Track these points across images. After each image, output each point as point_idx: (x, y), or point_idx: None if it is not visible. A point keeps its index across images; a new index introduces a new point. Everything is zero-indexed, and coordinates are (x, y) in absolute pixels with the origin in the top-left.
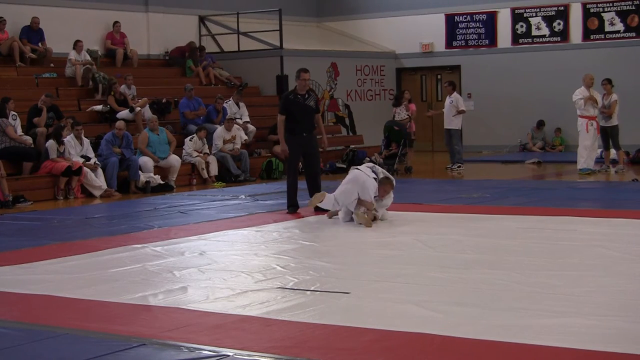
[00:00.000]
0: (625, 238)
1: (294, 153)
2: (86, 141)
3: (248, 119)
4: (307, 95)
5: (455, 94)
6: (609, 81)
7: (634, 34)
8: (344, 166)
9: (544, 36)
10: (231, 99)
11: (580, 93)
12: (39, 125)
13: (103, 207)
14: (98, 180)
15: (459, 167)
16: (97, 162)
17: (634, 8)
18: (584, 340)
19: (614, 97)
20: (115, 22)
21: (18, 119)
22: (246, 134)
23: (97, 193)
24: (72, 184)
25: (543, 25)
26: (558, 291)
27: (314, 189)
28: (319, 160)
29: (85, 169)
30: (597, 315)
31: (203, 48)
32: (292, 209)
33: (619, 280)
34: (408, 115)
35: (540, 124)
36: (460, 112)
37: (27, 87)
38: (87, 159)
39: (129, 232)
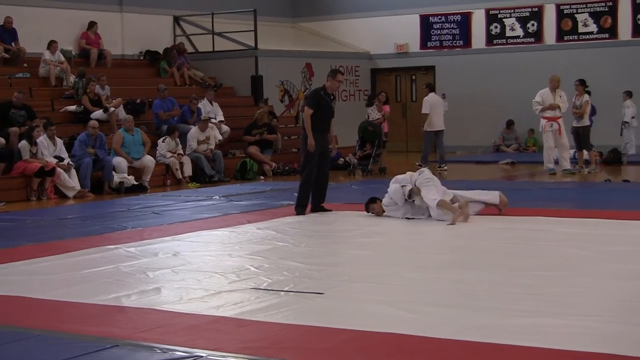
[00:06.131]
0: (599, 238)
1: (316, 150)
2: (59, 141)
3: (222, 119)
4: (332, 97)
5: (428, 95)
6: (581, 82)
7: (607, 35)
8: None
9: (518, 37)
10: (205, 97)
11: (540, 95)
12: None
13: (76, 207)
14: (71, 181)
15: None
16: (70, 162)
17: (607, 9)
18: (560, 340)
19: (586, 97)
20: (93, 23)
21: None
22: (220, 134)
23: (70, 194)
24: (45, 184)
25: (517, 26)
26: (533, 291)
27: (322, 191)
28: (329, 163)
29: (58, 169)
30: (573, 315)
31: (181, 45)
32: (302, 209)
33: (594, 280)
34: (381, 115)
35: (510, 124)
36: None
37: (0, 87)
38: (61, 159)
39: (102, 233)
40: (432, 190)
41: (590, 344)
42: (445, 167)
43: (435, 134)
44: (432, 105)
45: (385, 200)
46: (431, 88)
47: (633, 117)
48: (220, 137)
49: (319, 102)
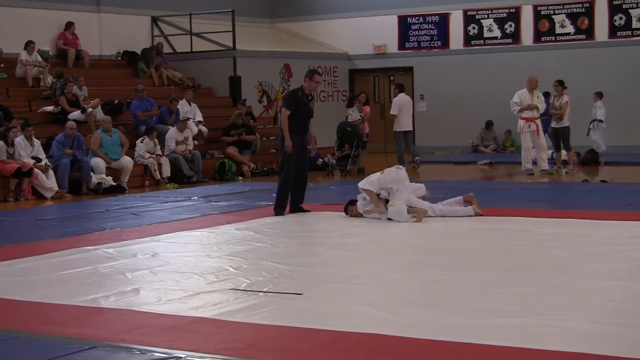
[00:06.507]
0: (576, 238)
1: (293, 151)
2: (37, 142)
3: (201, 119)
4: (310, 98)
5: (398, 96)
6: (560, 83)
7: (584, 36)
8: None
9: (495, 38)
10: (184, 98)
11: (518, 96)
12: None
13: (54, 208)
14: (49, 182)
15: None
16: (48, 163)
17: (584, 10)
18: (536, 340)
19: (565, 98)
20: (70, 23)
21: None
22: (198, 131)
23: (48, 194)
24: (22, 185)
25: (495, 27)
26: (510, 291)
27: (300, 192)
28: (307, 164)
29: (36, 170)
30: (549, 314)
31: (160, 45)
32: (281, 210)
33: (571, 280)
34: (361, 116)
35: (489, 125)
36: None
37: None
38: (38, 160)
39: (80, 234)
40: (375, 177)
41: (568, 344)
42: (419, 159)
43: (404, 134)
44: (401, 105)
45: (359, 203)
46: (401, 88)
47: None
48: (195, 131)
49: (296, 103)
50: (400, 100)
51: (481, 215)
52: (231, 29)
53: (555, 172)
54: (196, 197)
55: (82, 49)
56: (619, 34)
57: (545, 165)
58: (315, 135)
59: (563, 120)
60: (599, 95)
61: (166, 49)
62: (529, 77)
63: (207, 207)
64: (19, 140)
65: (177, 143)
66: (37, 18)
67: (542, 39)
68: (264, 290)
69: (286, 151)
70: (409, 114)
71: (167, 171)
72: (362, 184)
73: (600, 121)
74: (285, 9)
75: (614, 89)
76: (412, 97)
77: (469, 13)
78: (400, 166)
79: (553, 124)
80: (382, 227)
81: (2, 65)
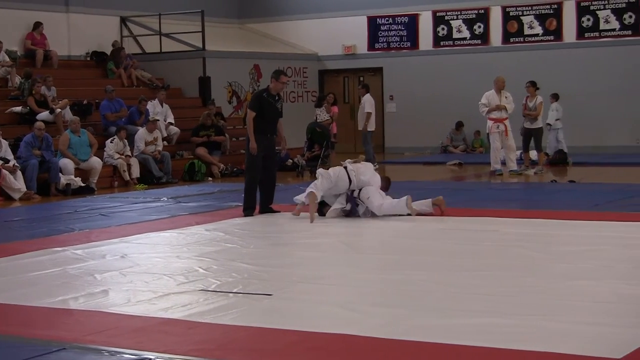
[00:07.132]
0: (544, 238)
1: (259, 153)
2: (5, 143)
3: (172, 120)
4: (277, 98)
5: (366, 96)
6: (532, 84)
7: (552, 37)
8: None
9: (464, 39)
10: (156, 99)
11: (486, 97)
12: None
13: (22, 209)
14: (17, 183)
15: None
16: (16, 164)
17: (552, 12)
18: (505, 340)
19: (539, 99)
20: (39, 23)
21: None
22: (167, 133)
23: (16, 196)
24: None
25: (464, 28)
26: (479, 291)
27: (269, 192)
28: (276, 165)
29: (3, 171)
30: (518, 314)
31: (116, 43)
32: (250, 211)
33: (539, 280)
34: (330, 116)
35: (459, 125)
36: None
37: None
38: (6, 161)
39: (49, 235)
40: (323, 180)
41: (539, 344)
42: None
43: (370, 134)
44: (371, 104)
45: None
46: (367, 89)
47: (558, 120)
48: (165, 134)
49: (261, 104)
50: (370, 100)
51: (413, 215)
52: (200, 30)
53: (524, 172)
54: (165, 198)
55: (51, 49)
56: (586, 35)
57: (514, 165)
58: (286, 136)
59: (537, 121)
60: (555, 97)
61: (135, 50)
62: (496, 77)
63: (176, 208)
64: None
65: (147, 144)
66: (4, 18)
67: (511, 39)
68: (233, 291)
69: (251, 153)
70: (374, 114)
71: (136, 172)
72: (310, 187)
73: (548, 124)
74: (254, 9)
75: (582, 90)
76: (382, 98)
77: (438, 14)
78: (347, 164)
79: (526, 125)
80: (352, 228)
81: None
